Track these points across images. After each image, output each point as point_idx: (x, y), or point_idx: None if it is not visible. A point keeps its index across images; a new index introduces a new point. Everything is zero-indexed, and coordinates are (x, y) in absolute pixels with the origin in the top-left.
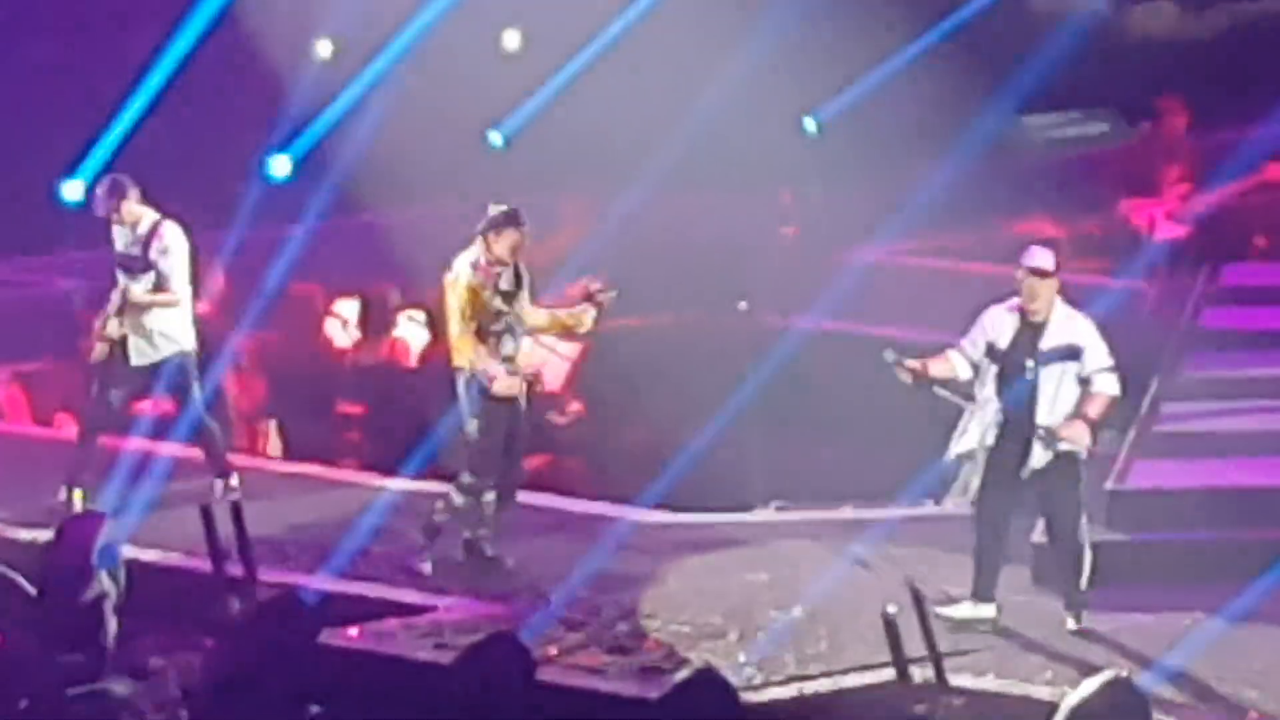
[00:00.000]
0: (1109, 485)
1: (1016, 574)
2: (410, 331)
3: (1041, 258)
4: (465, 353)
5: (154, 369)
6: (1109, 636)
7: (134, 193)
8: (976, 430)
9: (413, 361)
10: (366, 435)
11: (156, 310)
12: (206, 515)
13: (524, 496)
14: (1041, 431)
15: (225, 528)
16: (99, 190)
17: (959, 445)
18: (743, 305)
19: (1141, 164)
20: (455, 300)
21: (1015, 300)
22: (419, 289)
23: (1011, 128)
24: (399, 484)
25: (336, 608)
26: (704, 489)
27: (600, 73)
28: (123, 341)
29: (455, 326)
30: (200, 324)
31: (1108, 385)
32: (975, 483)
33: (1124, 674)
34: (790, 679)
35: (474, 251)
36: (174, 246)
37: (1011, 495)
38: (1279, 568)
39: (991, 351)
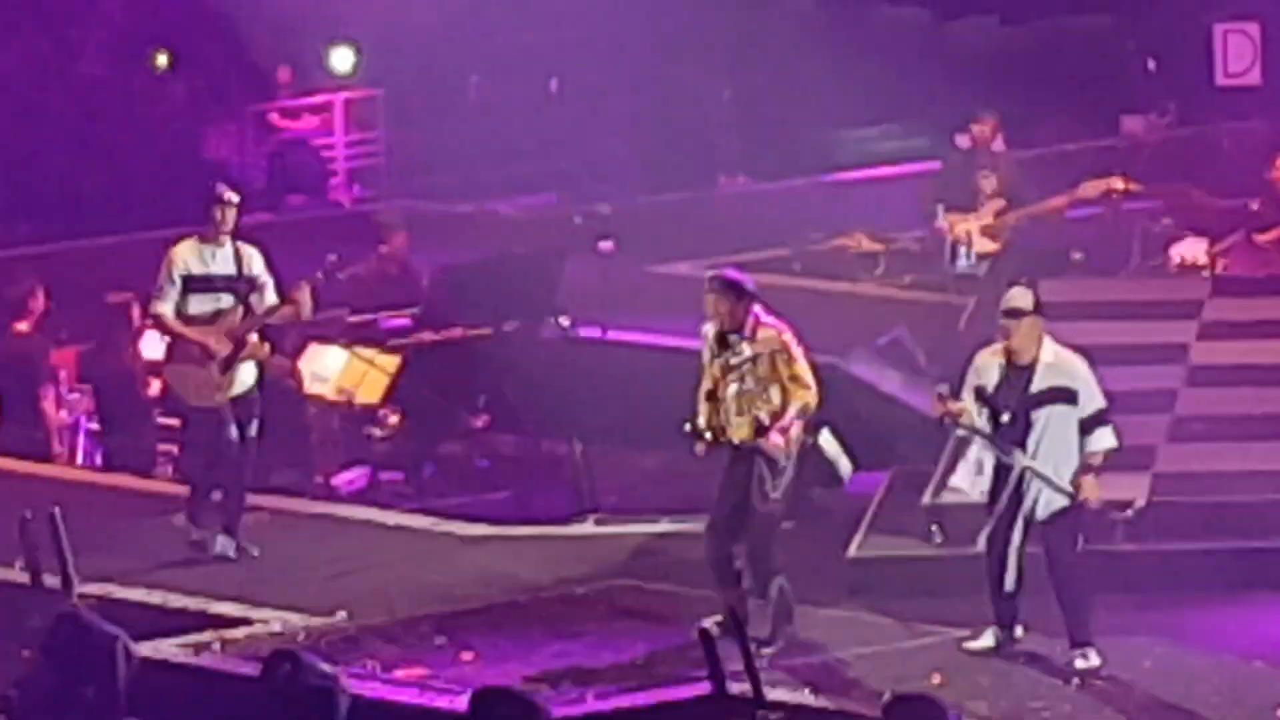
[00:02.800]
0: (925, 500)
1: (835, 589)
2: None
3: (1016, 298)
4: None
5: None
6: (927, 650)
7: None
8: (969, 477)
9: None
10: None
11: None
12: (24, 527)
13: (342, 509)
14: (1053, 484)
15: (43, 539)
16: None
17: (970, 487)
18: (564, 320)
19: (959, 178)
20: None
21: (1000, 343)
22: None
23: (831, 142)
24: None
25: (152, 619)
26: (523, 502)
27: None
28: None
29: None
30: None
31: (1106, 440)
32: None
33: (929, 692)
34: (609, 692)
35: None
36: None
37: (1012, 535)
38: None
39: (981, 395)
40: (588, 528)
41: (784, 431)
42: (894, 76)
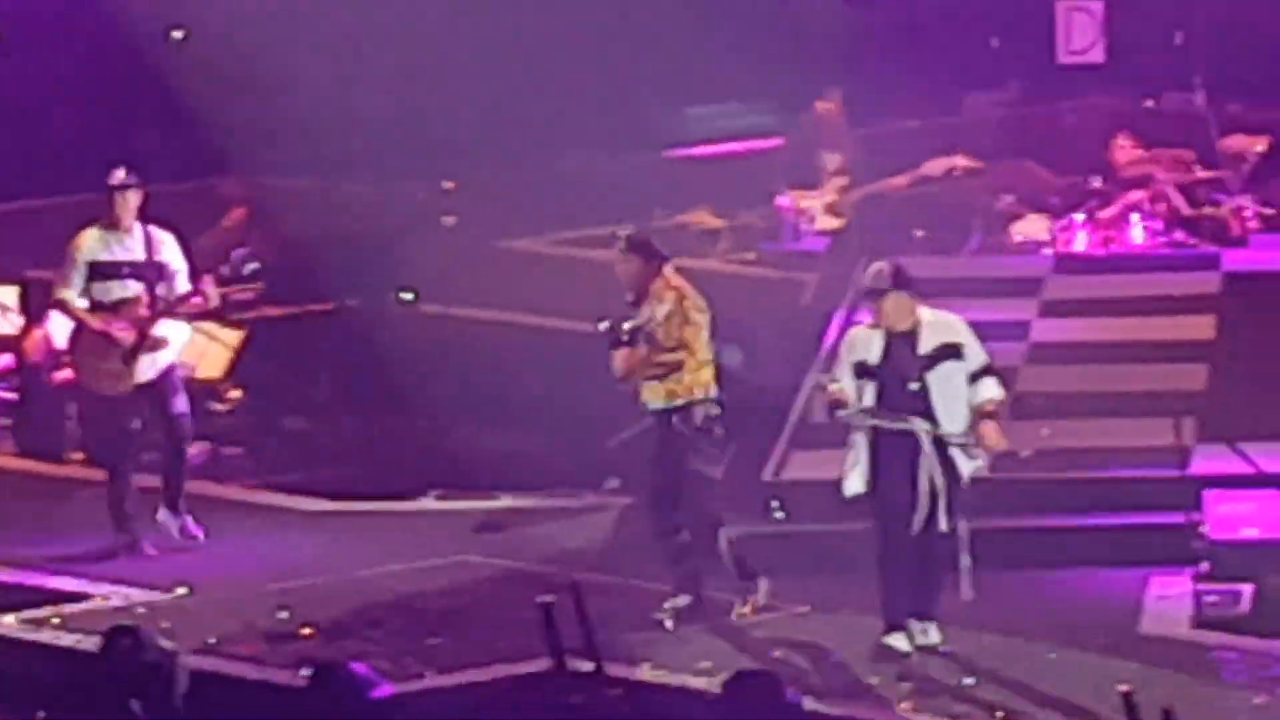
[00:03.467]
0: (766, 476)
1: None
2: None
3: (873, 278)
4: None
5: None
6: (767, 627)
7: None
8: (863, 464)
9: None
10: (19, 422)
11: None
12: None
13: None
14: (957, 440)
15: None
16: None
17: (853, 485)
18: (407, 295)
19: (802, 156)
20: None
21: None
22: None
23: (675, 119)
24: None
25: None
26: (364, 477)
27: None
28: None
29: None
30: None
31: (994, 389)
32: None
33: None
34: (450, 667)
35: None
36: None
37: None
38: None
39: (865, 371)
40: (429, 503)
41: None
42: (739, 53)
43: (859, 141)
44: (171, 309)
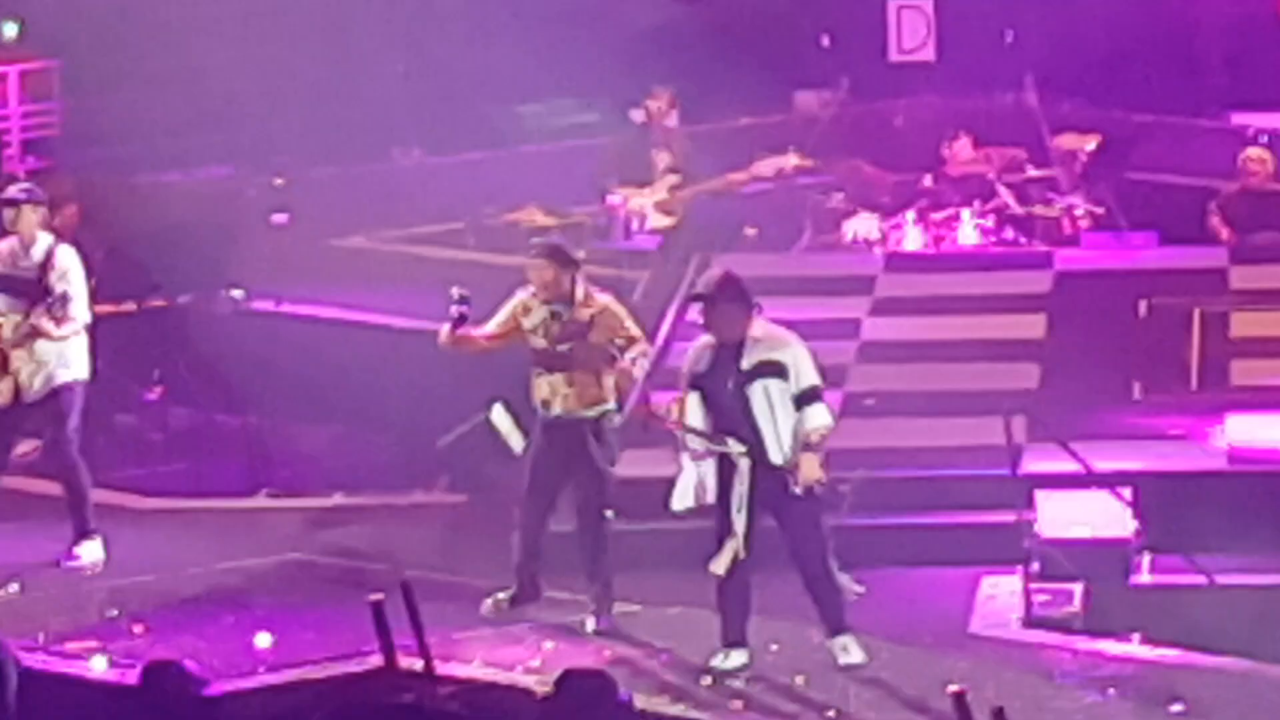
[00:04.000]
0: None
1: (507, 564)
2: None
3: (703, 285)
4: None
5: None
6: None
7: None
8: (692, 475)
9: None
10: None
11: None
12: None
13: (13, 481)
14: (775, 465)
15: None
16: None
17: (681, 499)
18: (237, 293)
19: (633, 154)
20: None
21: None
22: None
23: (506, 116)
24: None
25: None
26: (195, 474)
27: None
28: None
29: None
30: None
31: (820, 417)
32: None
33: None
34: (280, 665)
35: None
36: (75, 269)
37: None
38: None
39: (695, 380)
40: (261, 501)
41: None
42: (569, 51)
43: (690, 139)
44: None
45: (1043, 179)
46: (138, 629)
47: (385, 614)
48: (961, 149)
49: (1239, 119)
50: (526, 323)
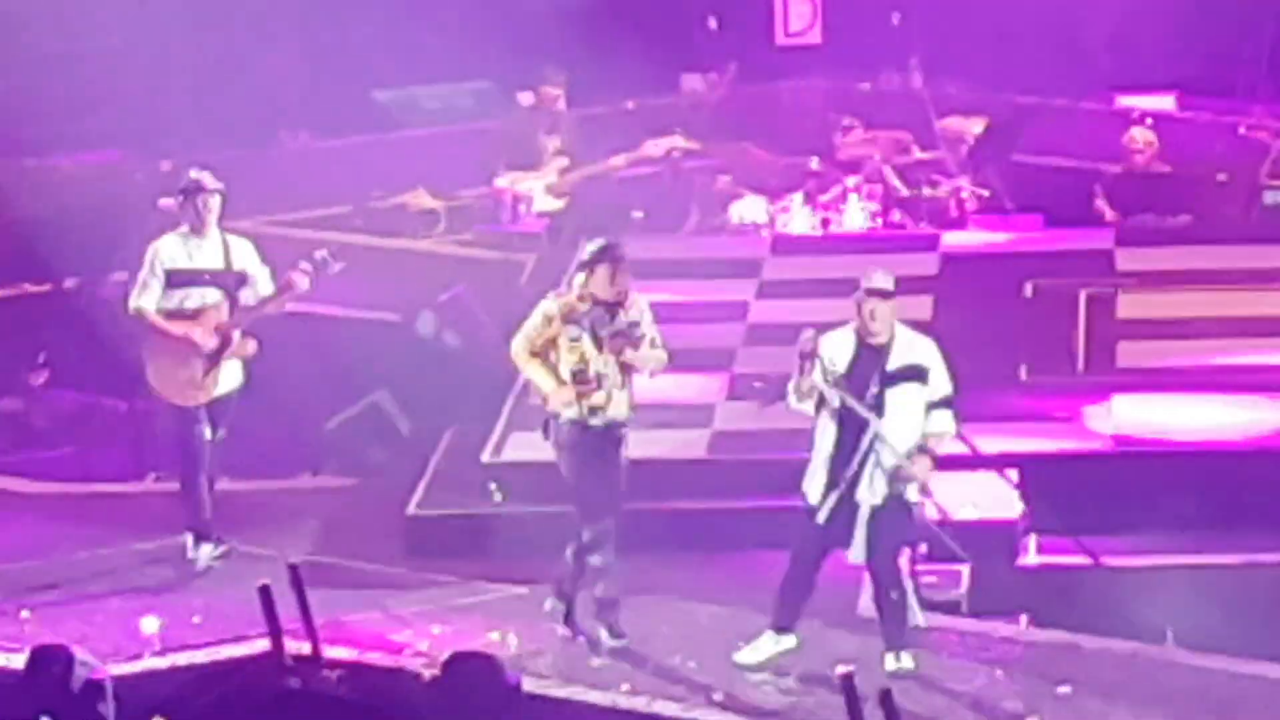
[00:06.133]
0: (485, 458)
1: (393, 547)
2: None
3: (882, 279)
4: None
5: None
6: (486, 607)
7: None
8: (823, 469)
9: None
10: None
11: None
12: None
13: None
14: (897, 459)
15: None
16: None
17: (814, 492)
18: (120, 276)
19: (520, 137)
20: None
21: (851, 324)
22: None
23: (394, 98)
24: None
25: None
26: (82, 458)
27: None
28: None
29: None
30: None
31: (945, 423)
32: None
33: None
34: (167, 649)
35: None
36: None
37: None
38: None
39: (828, 376)
40: (148, 485)
41: None
42: (456, 34)
43: (577, 122)
44: (257, 313)
45: (929, 161)
46: (24, 614)
47: (273, 598)
48: (848, 132)
49: (1124, 101)
50: (571, 332)
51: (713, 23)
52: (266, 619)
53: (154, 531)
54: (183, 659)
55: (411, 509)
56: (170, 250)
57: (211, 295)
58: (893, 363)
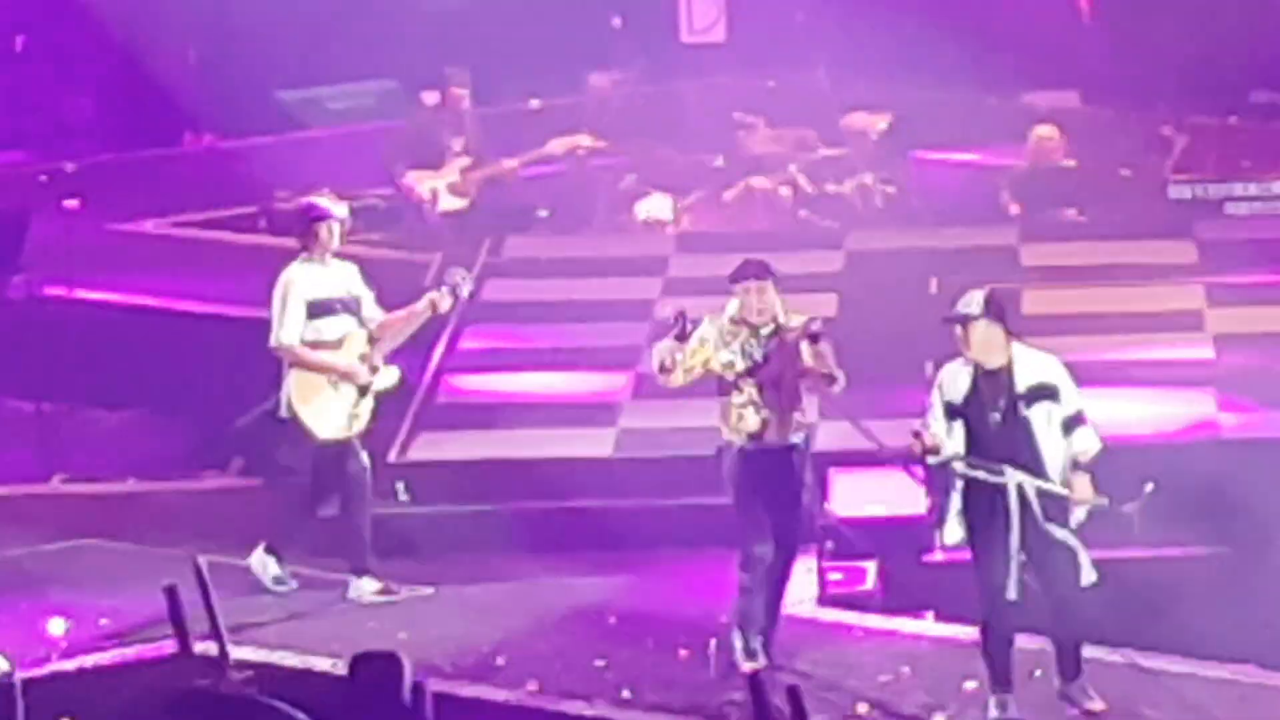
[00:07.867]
0: (391, 458)
1: (301, 548)
2: None
3: (966, 303)
4: None
5: None
6: (394, 608)
7: None
8: (958, 504)
9: None
10: None
11: None
12: None
13: None
14: (1055, 492)
15: None
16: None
17: (951, 536)
18: (20, 279)
19: (425, 136)
20: None
21: (964, 356)
22: None
23: (298, 99)
24: None
25: None
26: None
27: None
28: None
29: None
30: None
31: (1090, 439)
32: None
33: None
34: (73, 651)
35: None
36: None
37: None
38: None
39: (952, 412)
40: (54, 487)
41: None
42: (361, 33)
43: (481, 121)
44: (405, 332)
45: (834, 158)
46: None
47: (180, 599)
48: (753, 129)
49: (1029, 97)
50: (723, 356)
51: (617, 21)
52: (173, 620)
53: (60, 533)
54: (90, 660)
55: (321, 510)
56: (304, 280)
57: (347, 323)
58: (1020, 383)
